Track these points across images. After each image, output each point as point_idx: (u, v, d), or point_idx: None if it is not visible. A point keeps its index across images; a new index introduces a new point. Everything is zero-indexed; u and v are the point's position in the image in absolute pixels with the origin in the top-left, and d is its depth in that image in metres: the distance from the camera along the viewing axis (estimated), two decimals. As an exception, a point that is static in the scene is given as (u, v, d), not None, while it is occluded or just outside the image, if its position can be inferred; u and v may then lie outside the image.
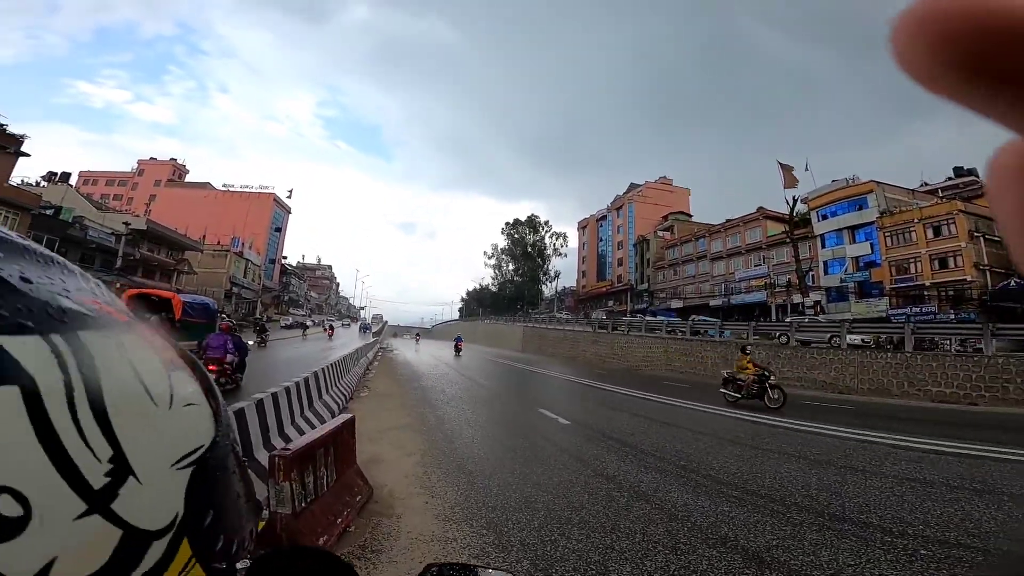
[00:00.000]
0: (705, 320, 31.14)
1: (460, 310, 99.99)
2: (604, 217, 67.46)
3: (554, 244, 70.78)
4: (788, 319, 29.53)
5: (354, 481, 4.68)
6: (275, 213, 72.04)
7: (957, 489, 5.20)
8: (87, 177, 68.93)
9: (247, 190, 71.15)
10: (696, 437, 8.22)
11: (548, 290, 70.71)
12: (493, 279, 76.44)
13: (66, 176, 43.60)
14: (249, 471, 0.46)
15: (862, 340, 19.71)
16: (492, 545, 3.82)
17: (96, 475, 0.26)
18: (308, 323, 48.23)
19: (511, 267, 72.83)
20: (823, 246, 37.03)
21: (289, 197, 74.84)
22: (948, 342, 18.50)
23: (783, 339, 21.83)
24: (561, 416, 10.01)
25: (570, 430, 8.90)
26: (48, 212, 32.47)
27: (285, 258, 78.92)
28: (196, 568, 0.32)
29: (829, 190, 37.53)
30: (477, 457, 6.72)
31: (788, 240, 35.00)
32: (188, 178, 74.84)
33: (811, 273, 35.88)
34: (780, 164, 36.33)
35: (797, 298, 34.23)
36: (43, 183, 39.68)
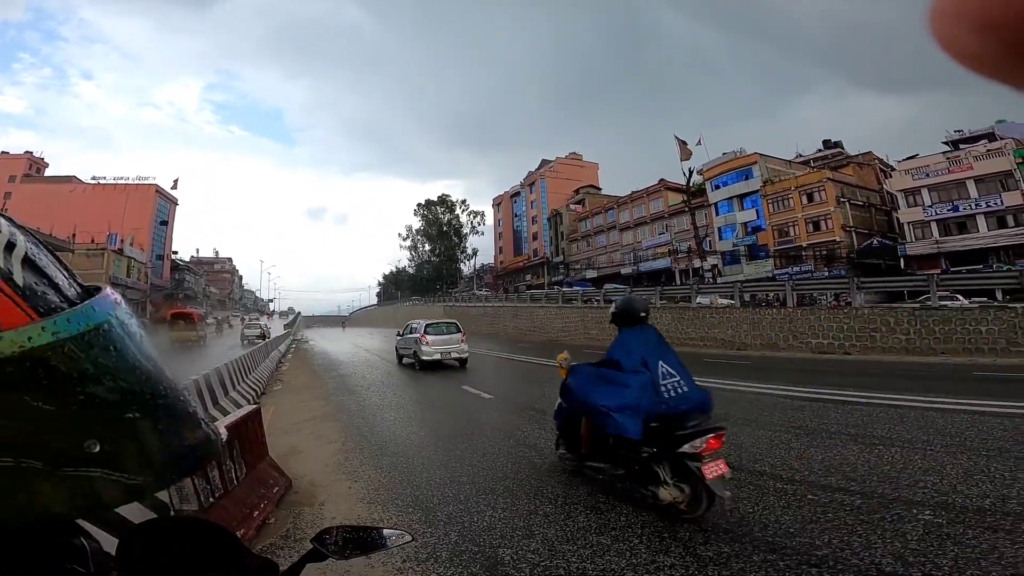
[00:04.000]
0: (616, 287, 32.64)
1: (378, 295, 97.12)
2: (518, 193, 68.03)
3: (471, 222, 70.47)
4: (689, 282, 31.78)
5: (268, 473, 4.47)
6: (159, 205, 64.93)
7: (835, 435, 5.78)
8: (-82, 177, 58.17)
9: (122, 182, 63.46)
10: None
11: (467, 268, 70.56)
12: (410, 261, 74.93)
13: None
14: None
15: (728, 301, 21.67)
16: (419, 522, 3.81)
17: None
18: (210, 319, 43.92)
19: (427, 248, 71.66)
20: (717, 213, 40.15)
21: (174, 188, 67.61)
22: (824, 297, 20.77)
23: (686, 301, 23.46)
24: (484, 391, 10.12)
25: (493, 404, 9.03)
26: None
27: (175, 253, 71.69)
28: None
29: (720, 162, 40.61)
30: (400, 439, 6.64)
31: (687, 209, 37.57)
32: (48, 172, 65.46)
33: (708, 239, 38.80)
34: (677, 138, 38.59)
35: (698, 263, 36.90)
36: None
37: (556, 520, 3.74)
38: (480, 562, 3.16)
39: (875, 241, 33.68)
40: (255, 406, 5.25)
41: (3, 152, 63.61)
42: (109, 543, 0.60)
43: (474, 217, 70.54)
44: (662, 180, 46.66)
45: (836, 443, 5.47)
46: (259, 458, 4.42)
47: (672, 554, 3.16)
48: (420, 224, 71.68)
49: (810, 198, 35.16)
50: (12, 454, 0.38)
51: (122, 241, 51.45)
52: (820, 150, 46.77)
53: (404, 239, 73.19)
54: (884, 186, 36.39)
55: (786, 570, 2.92)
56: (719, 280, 35.71)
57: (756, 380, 9.96)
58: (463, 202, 71.49)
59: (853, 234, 34.01)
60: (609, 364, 4.09)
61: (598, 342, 24.03)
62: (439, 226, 69.94)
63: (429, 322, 15.64)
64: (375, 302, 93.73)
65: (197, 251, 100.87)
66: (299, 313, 78.78)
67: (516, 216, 67.72)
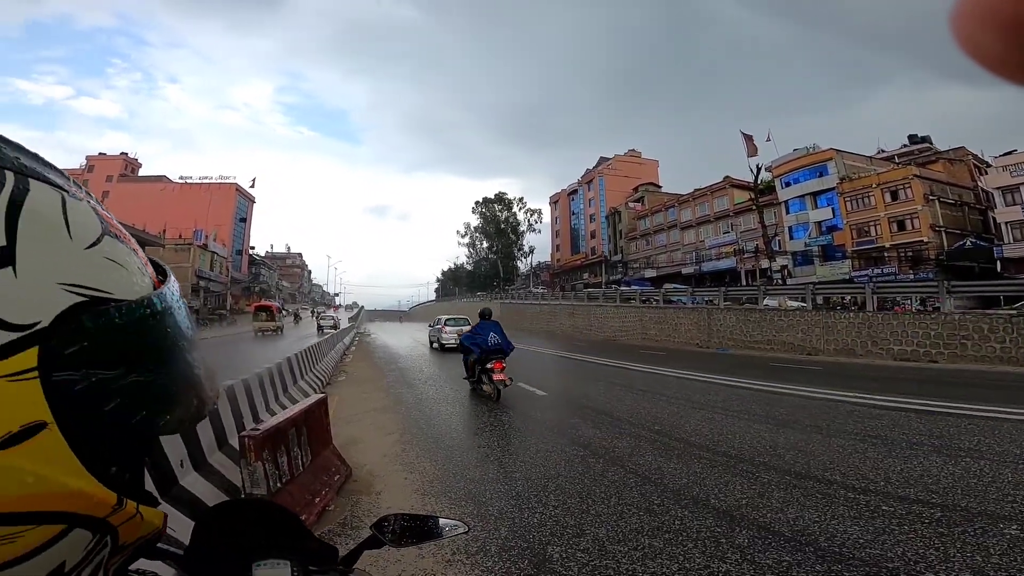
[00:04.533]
0: (677, 287, 31.74)
1: (436, 291, 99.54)
2: (575, 191, 67.54)
3: (528, 220, 70.80)
4: (756, 283, 30.34)
5: (331, 461, 4.68)
6: (239, 203, 69.62)
7: (916, 446, 5.39)
8: (30, 176, 65.06)
9: (206, 181, 68.41)
10: (669, 402, 8.44)
11: (523, 266, 70.90)
12: (468, 257, 76.28)
13: (5, 176, 41.11)
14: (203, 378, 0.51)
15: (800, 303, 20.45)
16: (471, 515, 3.88)
17: None
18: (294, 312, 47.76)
19: (485, 245, 72.65)
20: (787, 212, 38.01)
21: (252, 186, 72.33)
22: (908, 301, 19.24)
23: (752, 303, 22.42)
24: (539, 388, 10.14)
25: (547, 401, 9.03)
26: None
27: (253, 248, 76.84)
28: (35, 383, 0.34)
29: (791, 158, 38.47)
30: (455, 432, 6.78)
31: (754, 207, 35.80)
32: (142, 172, 71.50)
33: (777, 238, 36.90)
34: (743, 134, 36.99)
35: (765, 263, 35.15)
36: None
37: (608, 520, 3.70)
38: (528, 558, 3.18)
39: (968, 242, 30.77)
40: (322, 395, 5.51)
41: (101, 153, 70.07)
42: (187, 524, 0.65)
43: (531, 215, 70.92)
44: (727, 177, 44.81)
45: (917, 454, 5.10)
46: (323, 446, 4.65)
47: (728, 560, 3.06)
48: (478, 221, 72.84)
49: (894, 196, 32.55)
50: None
51: (206, 237, 55.54)
52: (905, 145, 43.30)
53: (462, 236, 74.67)
54: (979, 183, 33.15)
55: (853, 584, 2.77)
56: (789, 281, 33.85)
57: (828, 387, 9.38)
58: (520, 200, 72.01)
59: (943, 234, 31.23)
60: (472, 332, 9.35)
61: (656, 342, 23.49)
62: (496, 223, 70.69)
63: (448, 316, 20.97)
64: (433, 298, 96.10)
65: (271, 247, 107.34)
66: (362, 307, 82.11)
67: (574, 214, 67.25)
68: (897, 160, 38.90)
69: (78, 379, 0.36)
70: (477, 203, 72.89)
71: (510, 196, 72.15)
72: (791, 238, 37.68)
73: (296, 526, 0.68)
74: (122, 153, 71.16)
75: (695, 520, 3.68)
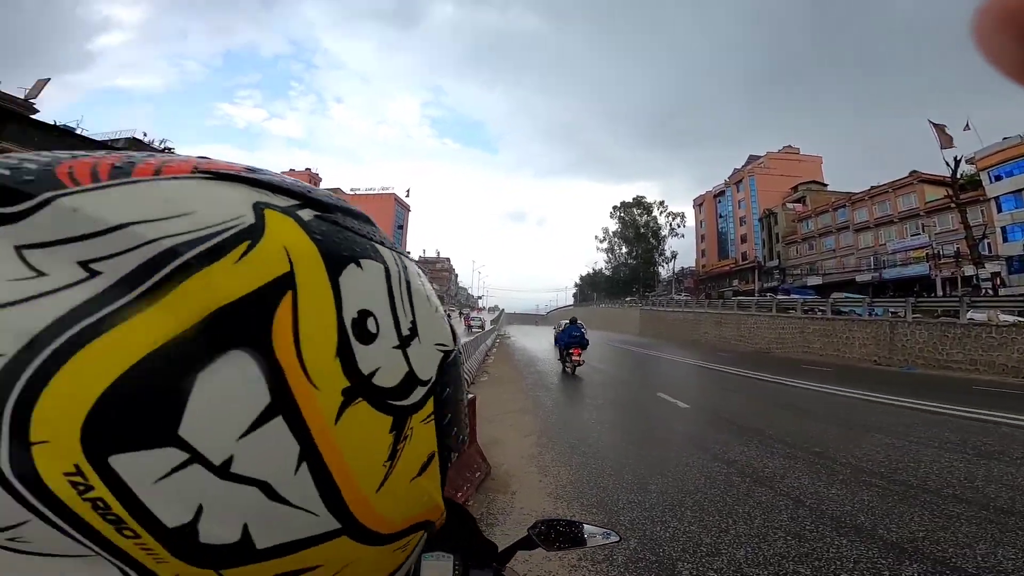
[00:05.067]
0: (849, 297, 27.86)
1: (574, 295, 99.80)
2: (722, 192, 62.77)
3: (670, 223, 67.63)
4: (956, 293, 25.36)
5: (474, 459, 5.02)
6: (397, 211, 78.28)
7: None
8: (243, 194, 79.63)
9: (371, 192, 77.86)
10: (836, 424, 7.48)
11: (665, 271, 67.84)
12: (607, 263, 75.23)
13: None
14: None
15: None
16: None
17: (405, 328, 0.40)
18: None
19: (624, 250, 70.98)
20: (999, 210, 30.96)
21: (407, 196, 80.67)
22: None
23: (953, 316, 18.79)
24: (680, 400, 9.68)
25: (689, 414, 8.59)
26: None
27: (408, 253, 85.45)
28: (432, 422, 0.43)
29: (1002, 147, 31.14)
30: (591, 439, 6.79)
31: (953, 205, 29.85)
32: (321, 185, 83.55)
33: (986, 240, 30.34)
34: (932, 124, 31.08)
35: (969, 269, 29.16)
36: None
37: (748, 542, 3.45)
38: (656, 572, 3.10)
39: None
40: (471, 396, 5.95)
41: (292, 169, 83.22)
42: None
43: (673, 219, 67.60)
44: (914, 172, 37.89)
45: None
46: (469, 444, 5.02)
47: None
48: (616, 226, 71.51)
49: None
50: None
51: (374, 244, 63.51)
52: None
53: (600, 241, 73.85)
54: None
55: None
56: (1001, 292, 27.65)
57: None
58: (661, 203, 69.08)
59: None
60: (562, 332, 14.30)
61: (820, 357, 20.91)
62: (636, 228, 68.74)
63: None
64: (571, 302, 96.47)
65: (423, 251, 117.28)
66: (503, 310, 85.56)
67: (720, 217, 62.59)
68: None
69: (444, 416, 0.47)
70: (615, 207, 71.62)
71: (649, 200, 69.71)
72: (1004, 240, 30.73)
73: (467, 522, 0.72)
74: (306, 169, 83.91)
75: (854, 550, 3.27)
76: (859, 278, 39.28)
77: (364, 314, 0.37)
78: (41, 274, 0.27)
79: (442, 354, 0.45)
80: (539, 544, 0.83)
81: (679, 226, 67.39)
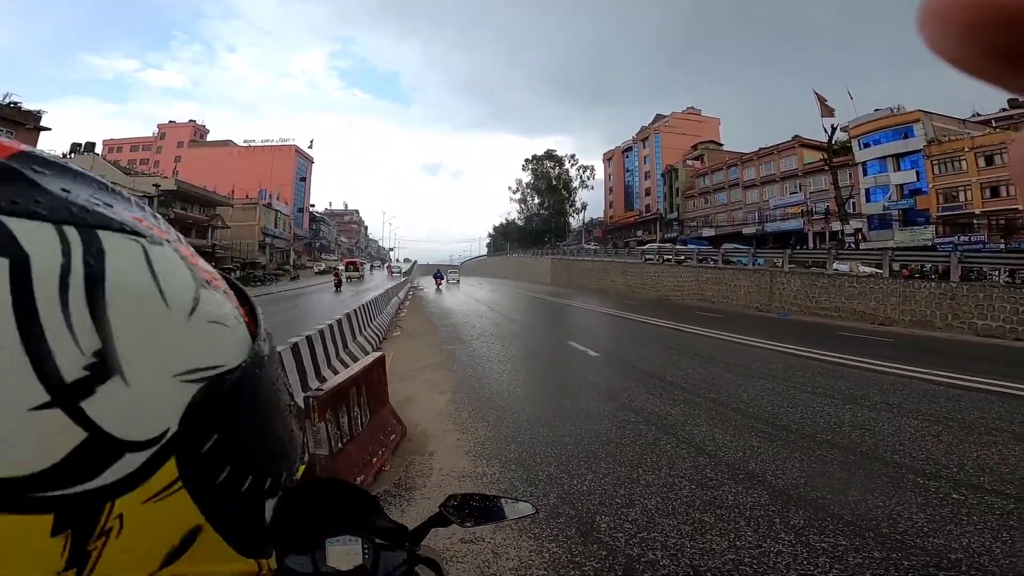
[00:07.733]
0: (737, 248, 30.36)
1: (488, 246, 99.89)
2: (630, 148, 65.24)
3: (580, 176, 69.24)
4: (825, 246, 28.57)
5: (388, 420, 4.86)
6: (299, 164, 73.86)
7: (996, 432, 5.00)
8: (111, 145, 69.39)
9: (268, 144, 72.51)
10: (727, 369, 8.20)
11: (576, 222, 69.87)
12: (519, 213, 75.75)
13: (91, 146, 44.06)
14: (294, 417, 0.46)
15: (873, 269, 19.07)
16: (520, 480, 3.96)
17: (72, 366, 0.25)
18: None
19: (536, 201, 71.83)
20: (865, 174, 35.42)
21: (310, 147, 76.68)
22: (997, 273, 17.46)
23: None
24: (591, 349, 10.10)
25: (600, 363, 9.00)
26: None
27: (313, 206, 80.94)
28: (182, 492, 0.31)
29: (872, 118, 35.64)
30: (507, 392, 6.89)
31: (826, 167, 33.47)
32: (209, 137, 75.76)
33: (851, 200, 34.38)
34: (816, 94, 34.23)
35: (836, 226, 33.02)
36: (70, 155, 40.34)
37: (658, 491, 3.69)
38: (576, 526, 3.22)
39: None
40: (380, 353, 5.69)
41: (171, 121, 74.59)
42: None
43: (584, 172, 69.20)
44: (796, 136, 42.29)
45: (996, 441, 4.75)
46: (381, 404, 4.82)
47: (781, 541, 3.00)
48: (529, 178, 71.91)
49: (989, 161, 29.39)
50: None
51: (271, 196, 58.45)
52: (1004, 109, 38.61)
53: (514, 192, 73.93)
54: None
55: (910, 571, 2.68)
56: (863, 246, 31.63)
57: (902, 361, 8.79)
58: (572, 156, 70.32)
59: (1044, 199, 27.98)
60: (436, 274, 40.65)
61: (712, 304, 22.76)
62: (548, 180, 69.59)
63: (449, 268, 30.81)
64: (485, 252, 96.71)
65: (330, 204, 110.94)
66: (415, 262, 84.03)
67: (628, 171, 65.18)
68: (994, 124, 35.06)
69: (218, 471, 0.33)
70: (528, 160, 71.88)
71: (561, 153, 70.62)
72: (867, 200, 35.09)
73: (369, 504, 0.69)
74: (190, 120, 75.71)
75: (749, 497, 3.61)
76: (745, 231, 43.03)
77: None
78: None
79: (196, 388, 0.31)
80: (453, 520, 0.79)
81: (589, 179, 69.23)
